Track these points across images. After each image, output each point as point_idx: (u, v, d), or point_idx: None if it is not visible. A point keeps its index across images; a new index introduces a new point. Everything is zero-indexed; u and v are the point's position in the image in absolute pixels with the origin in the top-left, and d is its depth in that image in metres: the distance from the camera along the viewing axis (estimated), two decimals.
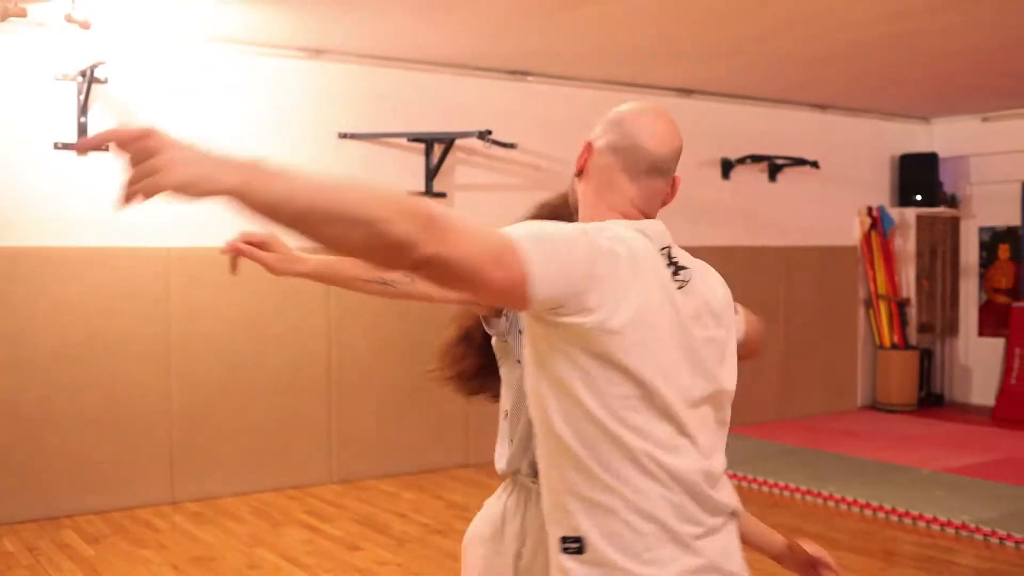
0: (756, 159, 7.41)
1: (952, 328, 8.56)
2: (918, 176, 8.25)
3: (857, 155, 8.12)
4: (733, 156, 7.37)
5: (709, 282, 1.54)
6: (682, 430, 1.41)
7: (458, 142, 6.07)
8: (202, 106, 5.38)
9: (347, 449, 5.79)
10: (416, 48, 5.71)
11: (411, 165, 6.03)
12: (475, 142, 6.10)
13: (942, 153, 8.33)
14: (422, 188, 6.04)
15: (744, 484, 5.68)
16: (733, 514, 1.50)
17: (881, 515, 5.09)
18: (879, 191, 8.34)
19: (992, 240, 8.35)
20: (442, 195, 6.08)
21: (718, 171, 7.37)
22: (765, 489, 5.63)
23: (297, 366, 5.63)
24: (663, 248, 1.48)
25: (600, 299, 1.33)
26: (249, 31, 5.21)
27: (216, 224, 5.27)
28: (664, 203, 1.58)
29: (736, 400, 1.54)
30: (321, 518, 5.01)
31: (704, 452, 1.45)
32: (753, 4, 4.69)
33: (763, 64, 6.15)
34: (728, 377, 1.52)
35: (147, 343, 5.19)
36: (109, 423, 5.10)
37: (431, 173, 6.04)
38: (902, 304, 8.28)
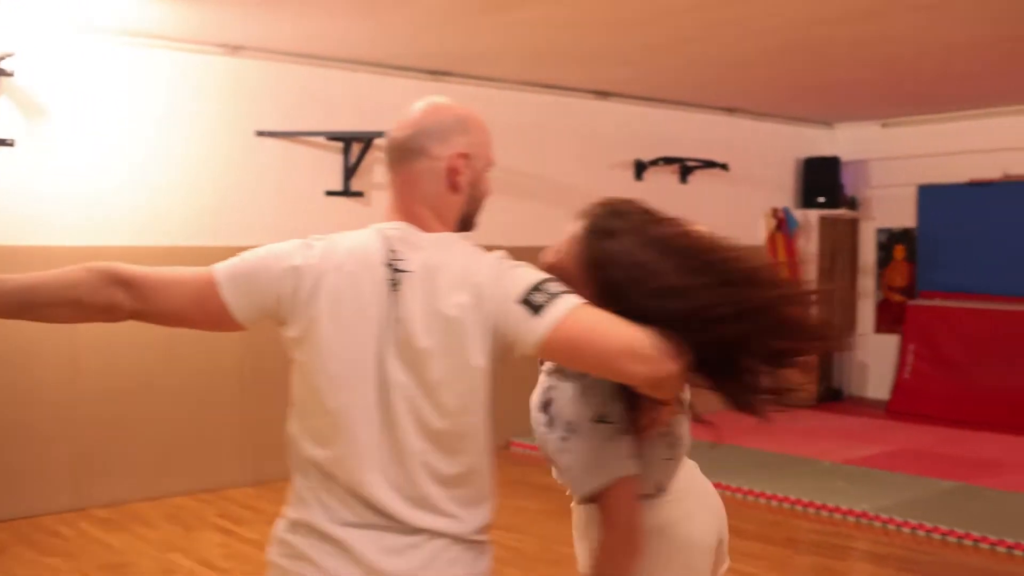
0: (668, 161, 7.60)
1: (850, 325, 8.94)
2: (821, 179, 8.59)
3: (764, 158, 8.41)
4: (646, 158, 7.54)
5: (440, 284, 1.50)
6: (339, 432, 1.51)
7: (376, 141, 6.03)
8: (114, 101, 5.22)
9: (262, 450, 5.71)
10: (336, 46, 5.67)
11: (329, 164, 5.99)
12: None
13: (844, 157, 8.68)
14: (340, 187, 6.01)
15: None
16: (433, 532, 1.51)
17: (786, 505, 5.31)
18: (784, 193, 8.65)
19: (889, 241, 8.75)
20: (359, 194, 6.06)
21: (631, 172, 7.53)
22: None
23: (210, 365, 5.53)
24: (392, 250, 1.53)
25: (287, 313, 1.54)
26: (165, 25, 5.08)
27: (126, 224, 5.16)
28: (452, 184, 1.56)
29: None
30: (236, 521, 4.95)
31: (385, 455, 1.50)
32: (666, 12, 4.82)
33: (676, 68, 6.32)
34: (445, 381, 1.49)
35: (54, 346, 5.02)
36: (8, 428, 4.91)
37: (349, 172, 6.01)
38: None
